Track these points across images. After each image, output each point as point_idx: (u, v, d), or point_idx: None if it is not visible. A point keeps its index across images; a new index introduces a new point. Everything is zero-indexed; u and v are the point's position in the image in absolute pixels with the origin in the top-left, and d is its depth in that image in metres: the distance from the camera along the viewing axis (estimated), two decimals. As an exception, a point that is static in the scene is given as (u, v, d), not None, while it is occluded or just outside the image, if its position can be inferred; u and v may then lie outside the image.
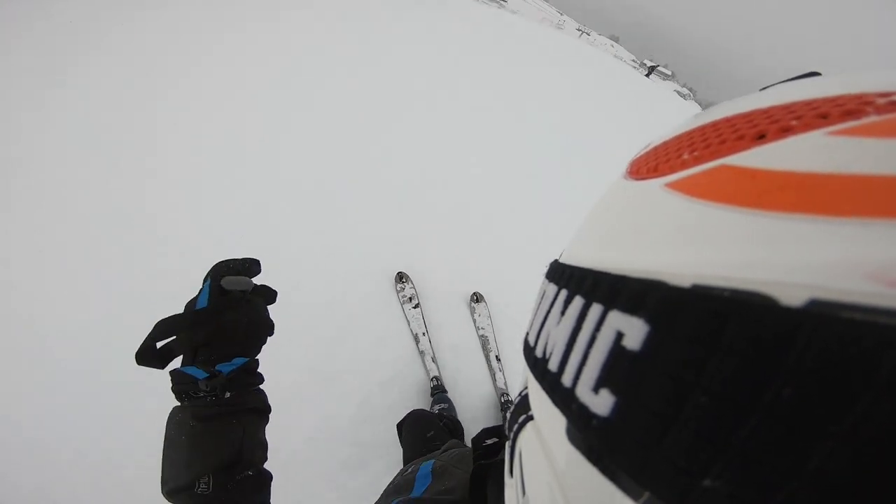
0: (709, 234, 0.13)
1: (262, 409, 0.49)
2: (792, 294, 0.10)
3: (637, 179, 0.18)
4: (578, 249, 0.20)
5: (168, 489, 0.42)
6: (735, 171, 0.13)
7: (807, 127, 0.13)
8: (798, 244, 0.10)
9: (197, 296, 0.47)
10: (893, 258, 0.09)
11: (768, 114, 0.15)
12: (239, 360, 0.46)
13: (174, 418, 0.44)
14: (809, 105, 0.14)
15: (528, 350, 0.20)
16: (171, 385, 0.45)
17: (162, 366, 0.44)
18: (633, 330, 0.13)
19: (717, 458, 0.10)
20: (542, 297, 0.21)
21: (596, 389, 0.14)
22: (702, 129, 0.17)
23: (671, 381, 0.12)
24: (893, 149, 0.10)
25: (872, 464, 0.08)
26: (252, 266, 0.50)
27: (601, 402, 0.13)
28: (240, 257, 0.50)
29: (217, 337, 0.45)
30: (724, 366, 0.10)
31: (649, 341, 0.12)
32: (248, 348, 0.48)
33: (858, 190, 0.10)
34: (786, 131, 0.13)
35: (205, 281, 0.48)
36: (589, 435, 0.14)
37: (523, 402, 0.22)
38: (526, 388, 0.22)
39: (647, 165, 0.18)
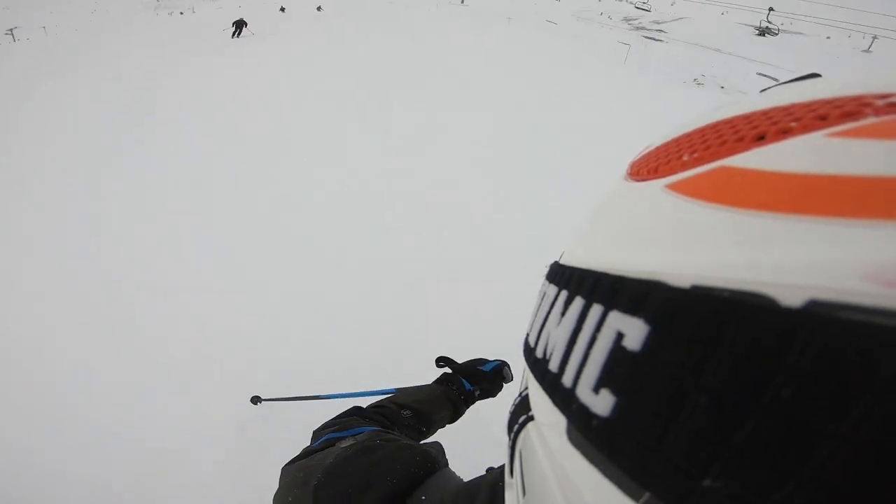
0: (708, 234, 0.13)
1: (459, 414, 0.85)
2: (791, 295, 0.10)
3: (637, 180, 0.18)
4: (578, 250, 0.20)
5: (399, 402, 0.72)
6: (735, 172, 0.13)
7: (806, 128, 0.13)
8: (797, 245, 0.10)
9: (487, 363, 0.90)
10: (892, 259, 0.09)
11: (768, 115, 0.15)
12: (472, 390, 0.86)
13: (431, 386, 0.84)
14: (809, 107, 0.14)
15: (529, 351, 0.20)
16: (449, 378, 0.87)
17: (444, 377, 0.87)
18: (633, 330, 0.13)
19: (717, 458, 0.10)
20: (542, 299, 0.21)
21: (596, 390, 0.14)
22: (702, 131, 0.17)
23: (671, 381, 0.12)
24: (892, 150, 0.10)
25: (872, 464, 0.08)
26: (509, 374, 0.92)
27: (601, 403, 0.13)
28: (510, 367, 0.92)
29: (484, 385, 0.88)
30: (723, 366, 0.10)
31: (649, 342, 0.12)
32: (486, 396, 0.91)
33: (857, 191, 0.10)
34: (785, 133, 0.13)
35: (494, 361, 0.92)
36: (589, 435, 0.14)
37: (523, 403, 0.22)
38: (526, 388, 0.22)
39: (648, 166, 0.18)
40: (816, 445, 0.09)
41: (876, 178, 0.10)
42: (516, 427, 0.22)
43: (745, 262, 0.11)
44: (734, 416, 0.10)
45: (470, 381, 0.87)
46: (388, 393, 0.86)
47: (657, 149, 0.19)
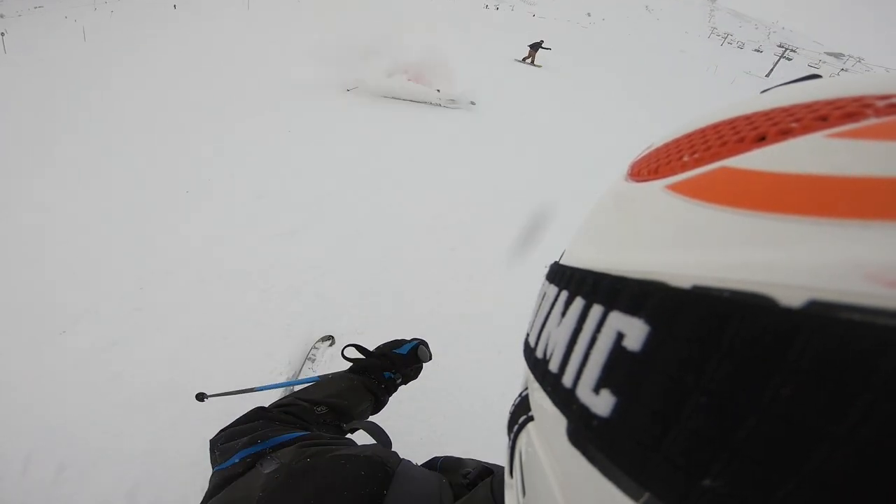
0: (709, 235, 0.13)
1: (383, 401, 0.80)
2: (791, 295, 0.10)
3: (638, 181, 0.18)
4: (579, 251, 0.20)
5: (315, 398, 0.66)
6: (735, 172, 0.13)
7: (806, 129, 0.13)
8: (797, 245, 0.10)
9: (404, 344, 0.83)
10: (892, 259, 0.09)
11: (769, 116, 0.15)
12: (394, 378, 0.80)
13: (346, 376, 0.76)
14: (809, 107, 0.14)
15: (529, 351, 0.20)
16: (366, 367, 0.78)
17: (355, 362, 0.79)
18: (633, 331, 0.13)
19: (717, 458, 0.10)
20: (542, 299, 0.21)
21: (596, 390, 0.14)
22: (702, 132, 0.17)
23: (671, 381, 0.12)
24: (893, 151, 0.10)
25: (871, 464, 0.08)
26: (426, 353, 0.85)
27: (602, 403, 0.13)
28: (428, 345, 0.86)
29: (404, 370, 0.82)
30: (723, 366, 0.10)
31: (650, 342, 0.12)
32: (407, 381, 0.85)
33: (857, 192, 0.10)
34: (786, 133, 0.13)
35: (411, 341, 0.84)
36: (589, 435, 0.14)
37: (523, 403, 0.22)
38: (526, 388, 0.22)
39: (648, 167, 0.18)
40: (816, 445, 0.09)
41: (877, 179, 0.10)
42: (516, 427, 0.22)
43: (746, 262, 0.11)
44: (734, 416, 0.10)
45: (389, 368, 0.79)
46: (312, 381, 0.78)
47: (657, 149, 0.19)
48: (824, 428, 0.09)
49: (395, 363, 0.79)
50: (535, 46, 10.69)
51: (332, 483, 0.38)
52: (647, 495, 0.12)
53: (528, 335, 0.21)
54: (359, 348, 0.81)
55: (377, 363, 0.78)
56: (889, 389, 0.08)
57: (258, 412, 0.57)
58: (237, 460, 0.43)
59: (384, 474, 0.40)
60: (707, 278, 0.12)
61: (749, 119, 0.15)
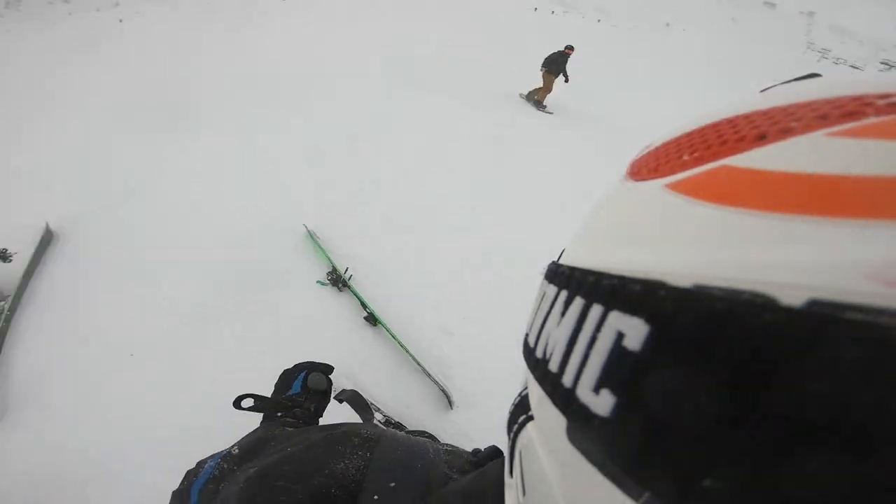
0: (709, 234, 0.13)
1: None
2: (792, 294, 0.10)
3: (637, 180, 0.18)
4: (579, 250, 0.20)
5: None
6: (735, 171, 0.13)
7: (807, 128, 0.13)
8: (798, 245, 0.10)
9: (293, 382, 0.71)
10: (893, 259, 0.09)
11: (769, 115, 0.15)
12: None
13: (269, 431, 0.57)
14: (809, 106, 0.14)
15: (528, 351, 0.20)
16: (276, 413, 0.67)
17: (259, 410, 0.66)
18: (633, 330, 0.13)
19: (717, 458, 0.10)
20: (541, 299, 0.21)
21: (596, 390, 0.14)
22: (702, 131, 0.17)
23: (671, 381, 0.12)
24: (893, 150, 0.10)
25: (872, 465, 0.08)
26: (327, 371, 0.74)
27: (602, 403, 0.13)
28: (320, 363, 0.74)
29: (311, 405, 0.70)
30: (723, 366, 0.10)
31: (650, 341, 0.12)
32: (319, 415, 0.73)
33: (858, 191, 0.10)
34: (786, 132, 0.13)
35: (300, 371, 0.72)
36: (589, 435, 0.14)
37: (523, 403, 0.22)
38: (526, 388, 0.22)
39: (648, 166, 0.18)
40: (817, 445, 0.09)
41: (877, 178, 0.10)
42: (516, 427, 0.22)
43: (746, 261, 0.11)
44: (735, 417, 0.10)
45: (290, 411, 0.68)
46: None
47: (657, 148, 0.19)
48: (826, 428, 0.09)
49: (303, 403, 0.70)
50: (556, 64, 5.48)
51: (301, 470, 0.36)
52: (647, 495, 0.12)
53: (527, 335, 0.21)
54: (253, 397, 0.68)
55: (279, 406, 0.68)
56: (891, 390, 0.08)
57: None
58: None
59: (363, 440, 0.39)
60: (707, 277, 0.12)
61: (749, 118, 0.15)
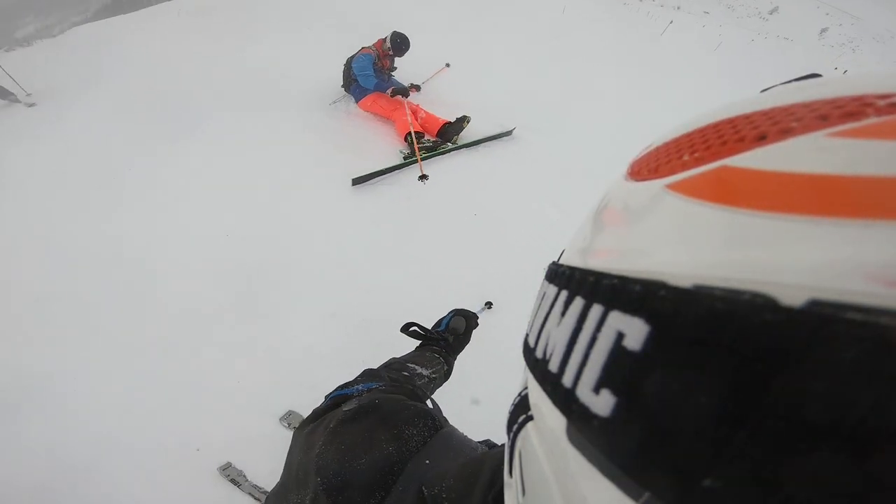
0: (709, 234, 0.13)
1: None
2: (792, 294, 0.10)
3: (637, 180, 0.18)
4: (578, 250, 0.20)
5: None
6: (736, 172, 0.13)
7: (807, 128, 0.13)
8: (798, 245, 0.10)
9: (443, 321, 0.94)
10: (893, 259, 0.09)
11: (769, 115, 0.15)
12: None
13: (427, 352, 0.84)
14: (809, 107, 0.14)
15: (528, 351, 0.20)
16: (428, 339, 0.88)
17: (418, 337, 0.87)
18: (633, 330, 0.13)
19: (717, 458, 0.10)
20: (541, 299, 0.21)
21: (596, 390, 0.14)
22: (702, 131, 0.17)
23: (672, 381, 0.12)
24: (893, 150, 0.10)
25: (873, 465, 0.08)
26: (472, 320, 0.96)
27: (602, 403, 0.13)
28: (464, 310, 0.96)
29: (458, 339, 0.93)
30: (724, 366, 0.10)
31: (650, 341, 0.12)
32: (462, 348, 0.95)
33: (858, 191, 0.10)
34: (786, 133, 0.13)
35: (450, 313, 0.96)
36: (589, 435, 0.14)
37: (523, 403, 0.22)
38: (526, 388, 0.22)
39: (648, 167, 0.18)
40: (817, 445, 0.09)
41: (877, 178, 0.10)
42: (515, 427, 0.22)
43: (746, 261, 0.11)
44: (735, 416, 0.10)
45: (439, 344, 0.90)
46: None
47: (657, 149, 0.19)
48: (826, 428, 0.09)
49: (454, 335, 0.93)
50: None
51: (388, 419, 0.44)
52: (647, 495, 0.12)
53: (527, 335, 0.21)
54: (419, 327, 0.91)
55: (434, 338, 0.90)
56: (891, 390, 0.08)
57: (366, 372, 0.66)
58: (330, 398, 0.53)
59: (433, 425, 0.44)
60: (707, 277, 0.12)
61: (749, 118, 0.15)
